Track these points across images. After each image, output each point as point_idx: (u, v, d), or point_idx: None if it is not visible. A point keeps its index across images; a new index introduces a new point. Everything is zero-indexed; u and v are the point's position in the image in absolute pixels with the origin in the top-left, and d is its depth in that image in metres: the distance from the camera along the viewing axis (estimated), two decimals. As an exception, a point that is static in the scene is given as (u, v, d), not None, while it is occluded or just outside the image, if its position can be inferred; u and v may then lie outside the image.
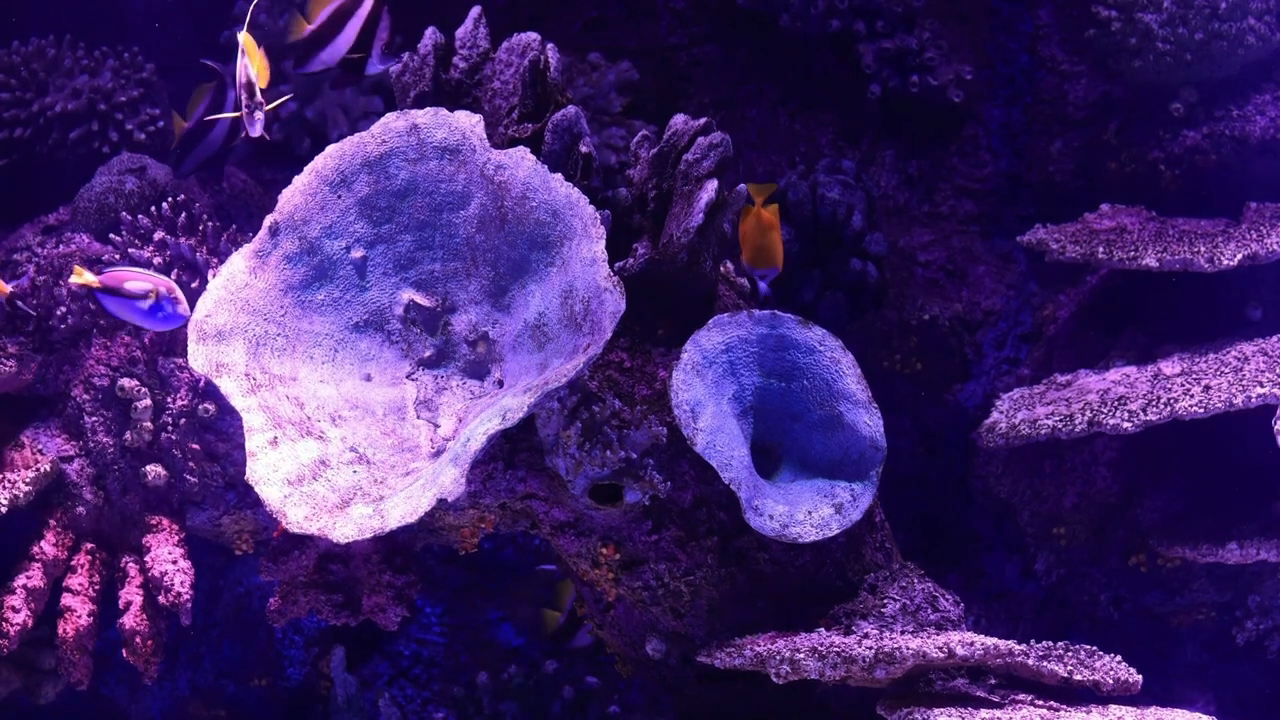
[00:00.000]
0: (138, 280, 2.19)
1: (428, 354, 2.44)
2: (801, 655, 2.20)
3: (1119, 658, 2.34)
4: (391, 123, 2.42)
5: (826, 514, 2.37)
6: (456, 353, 2.44)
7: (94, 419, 2.60)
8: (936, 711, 2.14)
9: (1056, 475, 2.92)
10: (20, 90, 2.89)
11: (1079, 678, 2.22)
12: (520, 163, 2.34)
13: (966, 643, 2.16)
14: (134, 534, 2.62)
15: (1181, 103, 2.97)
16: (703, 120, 2.45)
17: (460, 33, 2.55)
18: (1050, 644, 2.37)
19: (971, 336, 3.13)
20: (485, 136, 2.39)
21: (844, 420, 2.44)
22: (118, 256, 2.62)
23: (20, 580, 2.54)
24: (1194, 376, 2.61)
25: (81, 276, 2.22)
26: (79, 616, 2.56)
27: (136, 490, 2.61)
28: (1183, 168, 2.99)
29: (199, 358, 2.34)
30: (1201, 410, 2.50)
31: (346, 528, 2.20)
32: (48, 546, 2.58)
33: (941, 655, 2.14)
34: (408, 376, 2.43)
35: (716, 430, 2.33)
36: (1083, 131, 3.10)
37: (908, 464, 3.08)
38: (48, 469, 2.58)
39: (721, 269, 2.56)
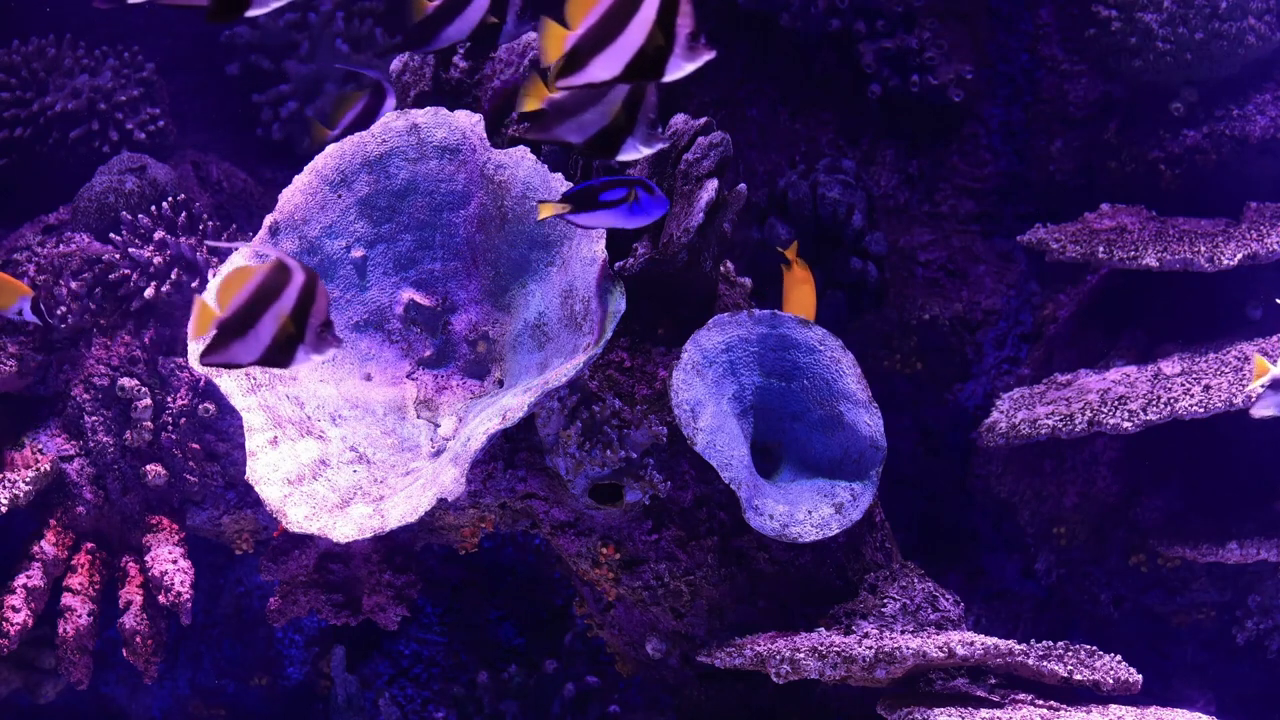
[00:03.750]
0: (610, 191, 2.12)
1: (428, 353, 2.44)
2: (801, 655, 2.20)
3: (1119, 657, 2.34)
4: (392, 122, 2.42)
5: (826, 514, 2.37)
6: (456, 352, 2.44)
7: (94, 419, 2.60)
8: (937, 711, 2.14)
9: (1057, 475, 2.92)
10: (20, 90, 2.89)
11: (1079, 677, 2.22)
12: (520, 162, 2.34)
13: (966, 642, 2.16)
14: (134, 534, 2.62)
15: (1181, 102, 2.97)
16: (703, 120, 2.45)
17: (460, 32, 2.55)
18: (1050, 643, 2.37)
19: (972, 336, 3.13)
20: (485, 136, 2.39)
21: (844, 420, 2.44)
22: (118, 256, 2.62)
23: (20, 580, 2.54)
24: (1194, 376, 2.61)
25: (548, 211, 2.13)
26: (79, 616, 2.56)
27: (136, 490, 2.61)
28: (1183, 167, 2.99)
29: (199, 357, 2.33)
30: (1201, 410, 2.50)
31: (346, 527, 2.20)
32: (48, 546, 2.58)
33: (941, 655, 2.14)
34: (408, 376, 2.43)
35: (716, 430, 2.33)
36: (1083, 131, 3.10)
37: (908, 464, 3.08)
38: (48, 469, 2.58)
39: (721, 269, 2.56)
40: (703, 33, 1.78)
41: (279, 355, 1.88)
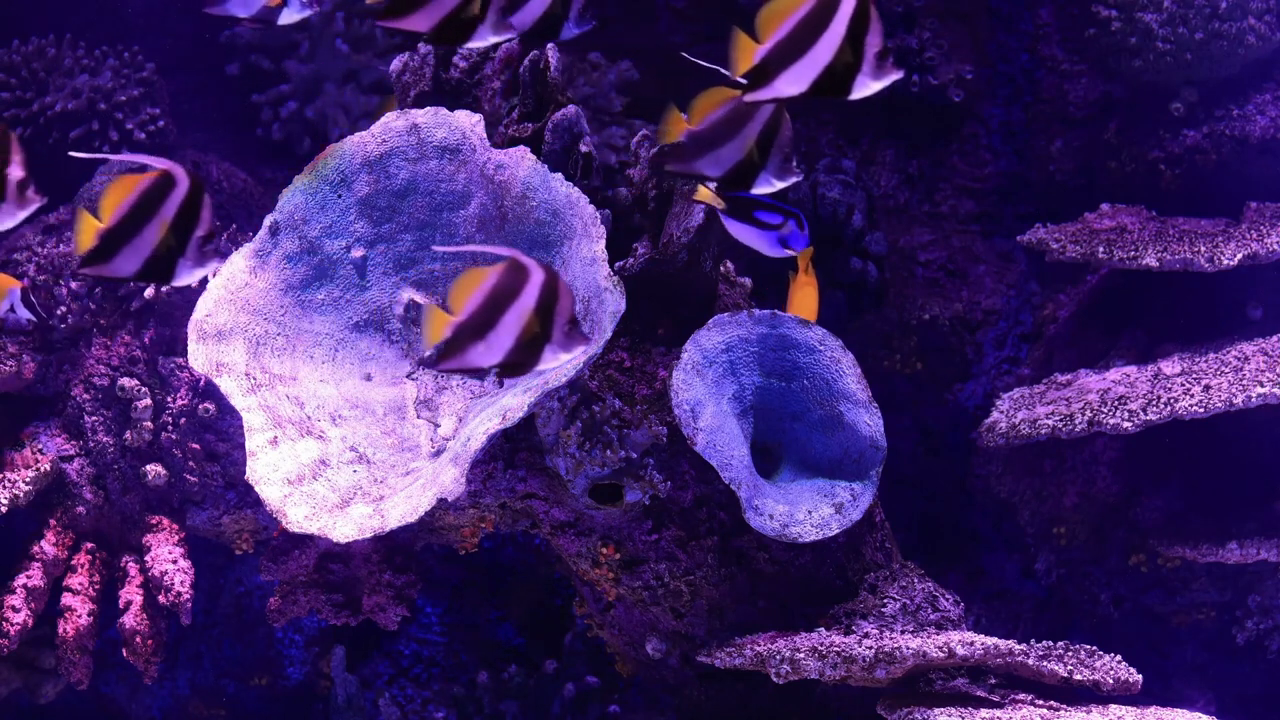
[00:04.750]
0: (767, 213, 2.16)
1: (428, 353, 2.43)
2: (801, 655, 2.20)
3: (1119, 657, 2.34)
4: (391, 122, 2.42)
5: (826, 514, 2.37)
6: (457, 352, 2.44)
7: (94, 419, 2.60)
8: (937, 711, 2.14)
9: (1057, 475, 2.92)
10: (20, 90, 2.89)
11: (1079, 677, 2.22)
12: (520, 162, 2.34)
13: (966, 642, 2.16)
14: (134, 534, 2.62)
15: (1181, 102, 2.97)
16: (703, 120, 2.44)
17: (460, 32, 2.55)
18: (1050, 643, 2.37)
19: (972, 336, 3.13)
20: (485, 136, 2.39)
21: (844, 420, 2.43)
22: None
23: (20, 580, 2.54)
24: (1194, 376, 2.61)
25: (705, 196, 2.17)
26: (79, 616, 2.56)
27: (136, 490, 2.61)
28: (1183, 167, 2.99)
29: (199, 357, 2.34)
30: (1201, 410, 2.50)
31: (346, 527, 2.20)
32: (48, 546, 2.58)
33: (941, 655, 2.14)
34: (408, 376, 2.43)
35: (716, 430, 2.33)
36: (1083, 131, 3.10)
37: (908, 464, 3.08)
38: (48, 469, 2.58)
39: (721, 269, 2.56)
40: (891, 52, 1.78)
41: (526, 355, 1.83)
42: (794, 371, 2.43)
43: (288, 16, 2.23)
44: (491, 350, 1.81)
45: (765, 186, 2.00)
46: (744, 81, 1.91)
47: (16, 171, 1.83)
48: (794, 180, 2.01)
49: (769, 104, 1.94)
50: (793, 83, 1.79)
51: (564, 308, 1.82)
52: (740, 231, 2.20)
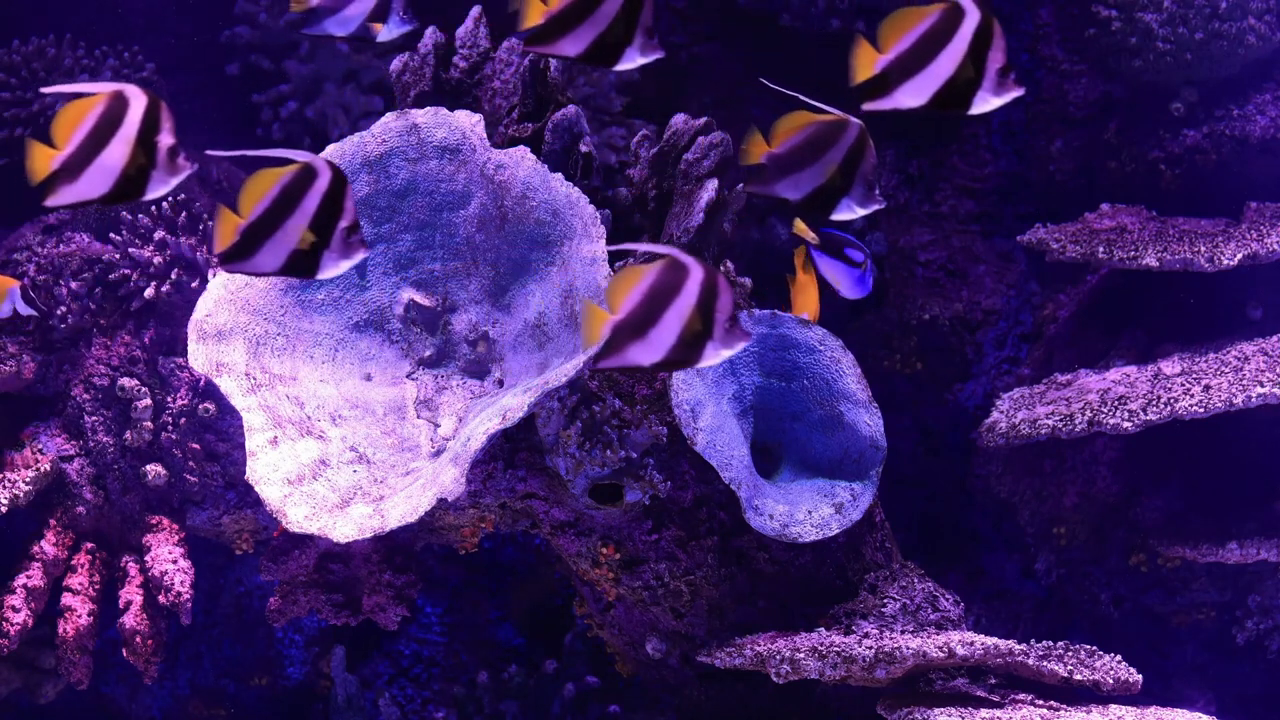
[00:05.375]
0: (854, 250, 2.22)
1: (428, 353, 2.44)
2: (802, 655, 2.20)
3: (1119, 657, 2.34)
4: (391, 122, 2.42)
5: (826, 514, 2.37)
6: (457, 352, 2.44)
7: (94, 419, 2.60)
8: (937, 711, 2.14)
9: (1057, 475, 2.92)
10: (21, 90, 2.89)
11: (1079, 677, 2.22)
12: (520, 162, 2.34)
13: (966, 642, 2.16)
14: (134, 534, 2.63)
15: (1181, 102, 2.97)
16: (703, 120, 2.45)
17: (460, 32, 2.55)
18: (1050, 643, 2.37)
19: (972, 336, 3.13)
20: (485, 136, 2.39)
21: (844, 420, 2.44)
22: (118, 256, 2.63)
23: (20, 580, 2.54)
24: (1194, 376, 2.61)
25: (801, 230, 2.27)
26: (79, 616, 2.56)
27: (136, 490, 2.61)
28: (1183, 167, 2.99)
29: (199, 357, 2.34)
30: (1201, 410, 2.50)
31: (346, 527, 2.20)
32: (48, 546, 2.58)
33: (941, 655, 2.15)
34: (408, 376, 2.43)
35: (716, 430, 2.33)
36: (1083, 131, 3.10)
37: (908, 464, 3.08)
38: (48, 469, 2.58)
39: (721, 269, 2.56)
40: (1012, 69, 1.78)
41: (688, 353, 1.81)
42: (794, 371, 2.43)
43: (386, 34, 2.22)
44: (652, 348, 1.80)
45: (846, 213, 2.00)
46: (818, 105, 1.92)
47: (167, 139, 1.78)
48: (877, 208, 2.01)
49: (853, 131, 1.94)
50: (913, 95, 1.79)
51: (725, 304, 1.81)
52: (827, 266, 2.25)
